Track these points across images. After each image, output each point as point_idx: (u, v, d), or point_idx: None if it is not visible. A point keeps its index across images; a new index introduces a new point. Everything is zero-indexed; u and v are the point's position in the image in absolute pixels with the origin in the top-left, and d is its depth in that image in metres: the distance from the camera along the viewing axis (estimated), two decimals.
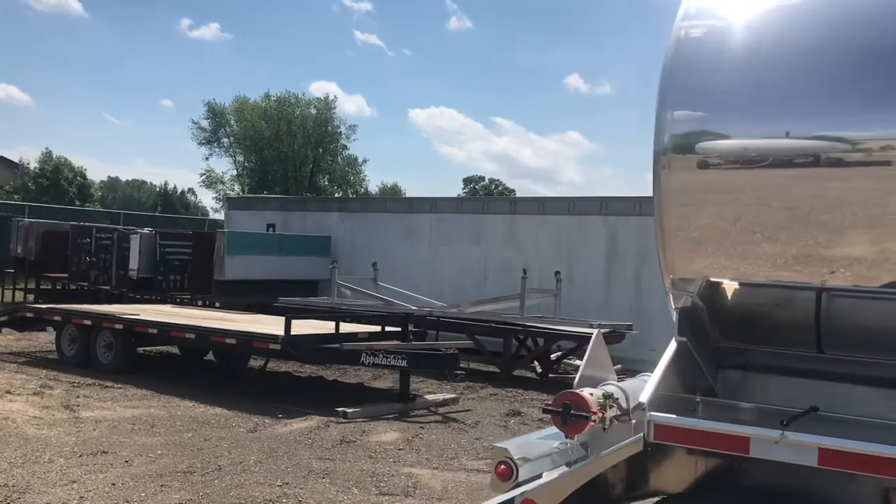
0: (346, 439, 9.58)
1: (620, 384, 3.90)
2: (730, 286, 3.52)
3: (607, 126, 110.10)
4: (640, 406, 3.35)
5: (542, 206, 17.35)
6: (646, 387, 3.30)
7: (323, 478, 8.00)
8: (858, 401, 3.55)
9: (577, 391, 3.51)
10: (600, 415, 3.38)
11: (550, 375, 14.82)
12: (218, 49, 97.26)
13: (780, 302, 3.48)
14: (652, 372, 4.24)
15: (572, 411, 3.39)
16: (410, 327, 11.96)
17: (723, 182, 3.19)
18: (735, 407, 3.58)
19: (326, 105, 62.38)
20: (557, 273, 14.98)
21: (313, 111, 62.08)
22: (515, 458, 3.55)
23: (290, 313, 11.88)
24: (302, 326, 11.69)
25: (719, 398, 3.69)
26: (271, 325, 12.64)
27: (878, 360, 3.41)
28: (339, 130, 63.30)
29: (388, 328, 12.33)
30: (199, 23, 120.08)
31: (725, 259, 3.25)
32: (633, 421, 3.56)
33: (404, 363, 11.30)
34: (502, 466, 3.56)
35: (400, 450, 9.27)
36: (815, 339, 3.46)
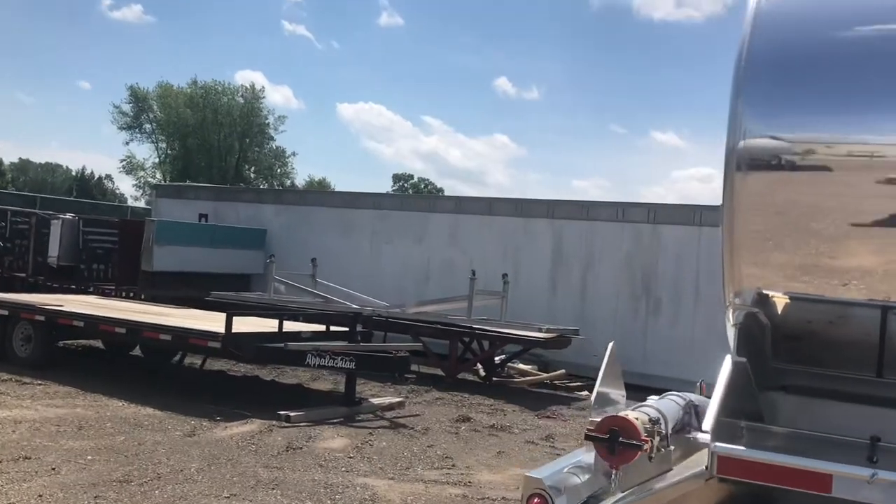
0: (293, 445, 9.02)
1: (654, 405, 3.54)
2: (780, 300, 3.19)
3: (535, 131, 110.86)
4: (687, 432, 2.99)
5: (489, 206, 17.02)
6: (707, 412, 2.94)
7: (273, 489, 7.44)
8: None
9: (624, 416, 3.13)
10: (650, 443, 3.01)
11: (494, 379, 14.52)
12: (140, 32, 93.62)
13: (833, 319, 3.16)
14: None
15: (621, 439, 3.01)
16: (359, 327, 11.43)
17: (804, 188, 2.87)
18: (786, 434, 3.25)
19: (254, 95, 60.98)
20: (505, 275, 14.67)
21: (240, 100, 60.58)
22: (549, 489, 3.14)
23: (231, 309, 11.22)
24: (241, 324, 11.04)
25: (765, 423, 3.37)
26: (206, 321, 11.93)
27: None
28: (266, 121, 61.97)
29: (333, 328, 11.77)
30: (121, 3, 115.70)
31: (802, 271, 2.93)
32: (672, 448, 3.19)
33: (352, 365, 10.79)
34: (536, 499, 3.14)
35: (351, 458, 8.77)
36: (877, 362, 3.16)
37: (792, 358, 3.30)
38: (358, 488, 7.64)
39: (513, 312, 14.71)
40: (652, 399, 4.81)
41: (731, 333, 3.22)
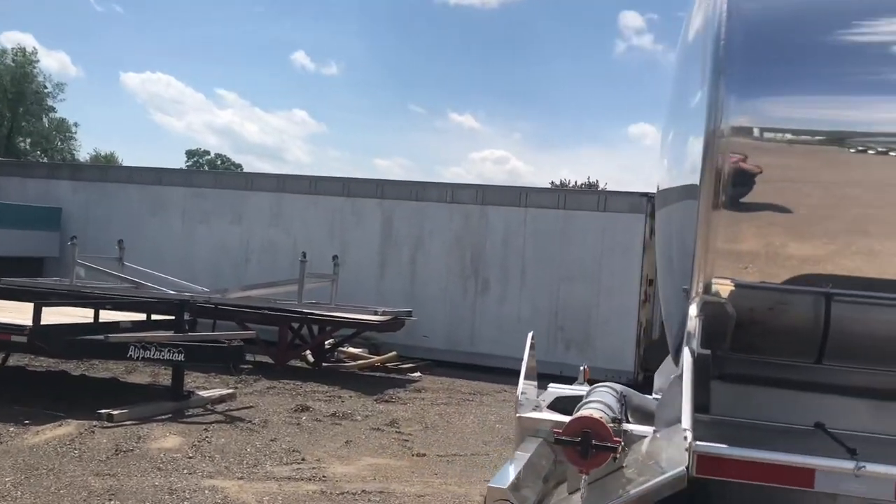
0: (122, 448, 8.16)
1: (602, 400, 3.39)
2: (725, 288, 3.13)
3: (334, 107, 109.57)
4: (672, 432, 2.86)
5: (314, 185, 16.42)
6: (683, 409, 2.81)
7: (109, 499, 6.67)
8: (859, 415, 3.36)
9: (594, 416, 2.93)
10: (621, 443, 2.84)
11: (324, 364, 14.09)
12: None
13: (773, 306, 3.15)
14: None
15: (594, 441, 2.81)
16: (186, 316, 10.58)
17: (786, 171, 2.80)
18: (733, 424, 3.21)
19: (26, 58, 55.35)
20: (335, 257, 14.23)
21: (11, 63, 54.78)
22: (515, 497, 2.90)
23: (38, 298, 9.98)
24: (47, 315, 9.84)
25: (710, 414, 3.32)
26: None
27: (884, 371, 3.23)
28: (44, 89, 56.57)
29: (155, 317, 10.82)
30: None
31: (775, 258, 2.87)
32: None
33: (181, 357, 9.96)
34: None
35: (190, 458, 8.07)
36: (819, 349, 3.19)
37: (732, 346, 3.25)
38: (206, 492, 7.03)
39: (340, 295, 14.33)
40: (568, 388, 4.69)
41: (692, 324, 3.11)
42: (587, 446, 2.82)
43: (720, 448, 2.71)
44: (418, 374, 14.06)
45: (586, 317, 14.50)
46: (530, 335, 4.29)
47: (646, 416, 3.70)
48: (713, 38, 2.81)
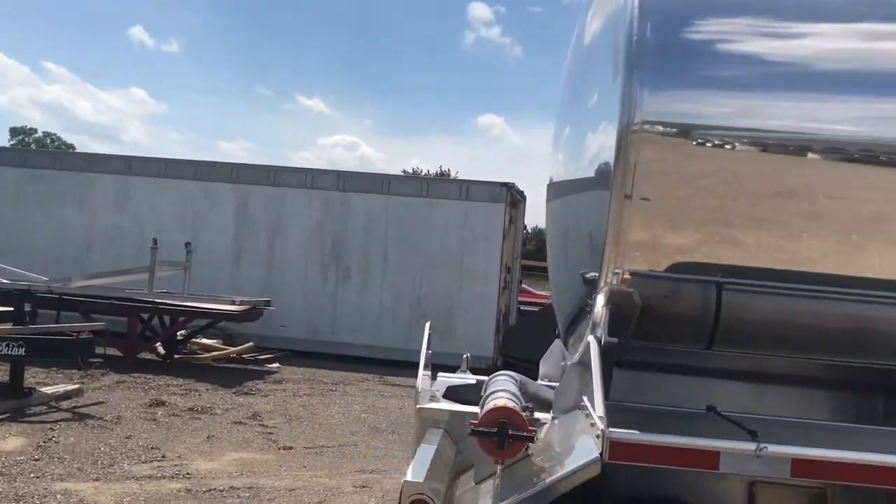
0: None
1: (509, 389, 3.40)
2: (632, 278, 3.21)
3: (175, 87, 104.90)
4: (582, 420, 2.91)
5: (164, 168, 15.59)
6: (595, 397, 2.85)
7: None
8: (744, 398, 3.54)
9: (509, 406, 2.92)
10: (536, 432, 2.85)
11: (176, 356, 13.47)
12: None
13: (668, 294, 3.27)
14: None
15: (511, 432, 2.80)
16: (26, 307, 9.78)
17: (693, 165, 2.88)
18: (630, 409, 3.31)
19: None
20: (188, 244, 13.61)
21: None
22: (431, 491, 2.84)
23: None
24: None
25: (608, 400, 3.39)
26: None
27: (771, 355, 3.41)
28: None
29: None
30: None
31: (684, 248, 2.96)
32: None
33: (22, 352, 9.21)
34: None
35: (36, 460, 7.48)
36: (709, 336, 3.33)
37: (634, 335, 3.33)
38: (59, 496, 6.54)
39: (193, 283, 13.74)
40: (457, 377, 4.67)
41: (599, 313, 3.16)
42: (504, 437, 2.80)
43: (632, 434, 2.77)
44: (276, 364, 13.72)
45: (448, 304, 14.64)
46: (427, 325, 4.24)
47: (540, 404, 3.74)
48: (625, 34, 2.85)
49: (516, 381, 3.75)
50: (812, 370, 3.55)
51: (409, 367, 14.67)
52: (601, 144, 3.57)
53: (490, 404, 2.96)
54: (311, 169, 15.76)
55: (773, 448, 2.71)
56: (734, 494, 3.34)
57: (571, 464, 2.78)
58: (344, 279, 15.09)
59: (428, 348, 4.17)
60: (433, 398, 3.87)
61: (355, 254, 15.04)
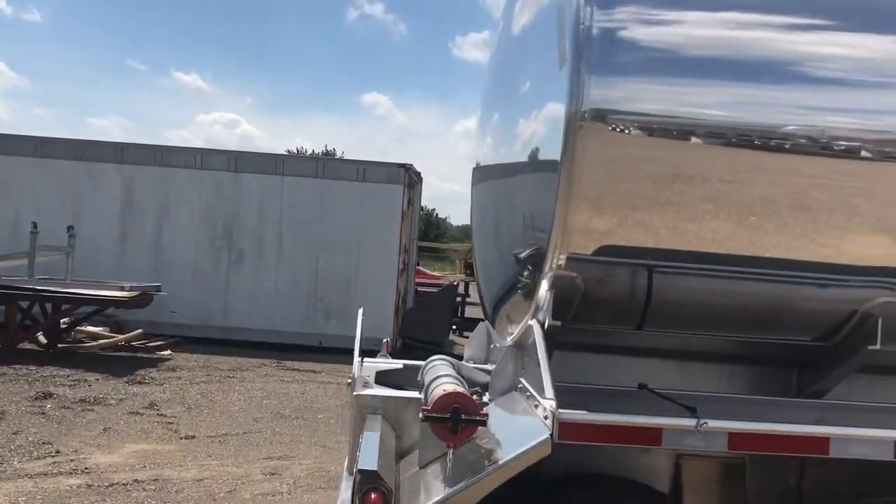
0: None
1: (451, 374, 3.43)
2: (575, 263, 3.28)
3: (38, 59, 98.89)
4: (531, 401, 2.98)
5: (39, 147, 14.69)
6: (543, 379, 2.92)
7: None
8: (672, 375, 3.70)
9: (460, 391, 2.95)
10: (487, 416, 2.90)
11: (60, 346, 12.81)
12: None
13: (603, 278, 3.38)
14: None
15: (464, 416, 2.84)
16: None
17: (637, 151, 2.97)
18: (566, 389, 3.40)
19: None
20: (70, 228, 12.91)
21: None
22: (386, 479, 2.84)
23: None
24: None
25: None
26: None
27: (696, 334, 3.58)
28: None
29: None
30: None
31: (633, 231, 3.05)
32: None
33: None
34: (373, 495, 2.81)
35: None
36: (640, 317, 3.46)
37: (562, 316, 3.41)
38: None
39: (76, 269, 13.07)
40: (384, 362, 4.65)
41: (543, 297, 3.22)
42: (457, 422, 2.83)
43: (582, 414, 2.85)
44: (168, 352, 13.27)
45: (346, 287, 14.53)
46: (360, 311, 4.21)
47: (474, 386, 3.79)
48: (572, 24, 2.90)
49: (453, 365, 3.79)
50: (733, 347, 3.75)
51: (308, 352, 14.55)
52: (534, 131, 3.64)
53: (439, 390, 2.97)
54: (201, 149, 15.25)
55: (712, 423, 2.86)
56: (662, 468, 3.50)
57: (522, 444, 2.83)
58: (237, 263, 14.72)
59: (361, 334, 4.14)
60: (367, 384, 3.85)
61: (249, 237, 14.68)
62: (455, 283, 17.43)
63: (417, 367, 4.73)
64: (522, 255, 3.83)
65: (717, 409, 2.93)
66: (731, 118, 3.05)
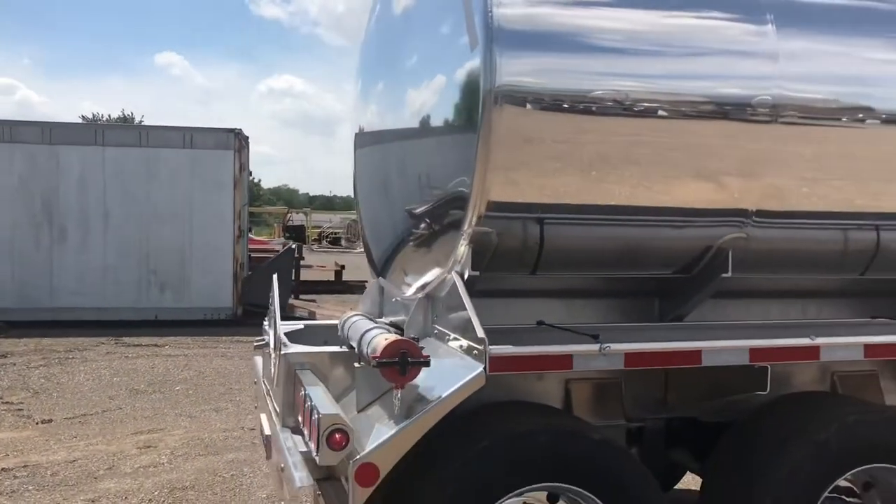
0: None
1: (380, 326, 3.79)
2: (490, 220, 3.70)
3: None
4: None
5: None
6: (474, 323, 3.35)
7: None
8: (559, 312, 4.26)
9: (402, 338, 3.33)
10: (429, 357, 3.30)
11: None
12: None
13: (502, 231, 3.83)
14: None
15: (410, 359, 3.23)
16: None
17: (547, 123, 3.44)
18: (495, 330, 3.85)
19: None
20: None
21: None
22: (346, 421, 3.18)
23: None
24: None
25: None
26: None
27: (581, 275, 4.16)
28: None
29: None
30: None
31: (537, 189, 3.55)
32: None
33: None
34: (337, 435, 3.13)
35: None
36: (534, 263, 3.97)
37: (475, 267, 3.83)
38: None
39: None
40: (291, 324, 4.92)
41: (462, 252, 3.63)
42: (405, 365, 3.21)
43: (508, 348, 3.31)
44: None
45: (180, 257, 14.23)
46: (275, 276, 4.43)
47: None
48: (481, 11, 3.29)
49: (372, 319, 4.15)
50: (608, 284, 4.35)
51: (145, 327, 14.14)
52: (424, 100, 4.04)
53: (381, 339, 3.31)
54: (10, 121, 14.19)
55: (613, 346, 3.43)
56: (553, 392, 4.05)
57: (460, 379, 3.26)
58: (60, 240, 13.98)
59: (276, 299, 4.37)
60: (286, 345, 4.11)
61: (71, 212, 13.96)
62: (293, 246, 17.48)
63: (318, 327, 5.05)
64: (418, 211, 4.25)
65: (603, 337, 3.49)
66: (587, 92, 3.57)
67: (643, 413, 4.26)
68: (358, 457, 3.12)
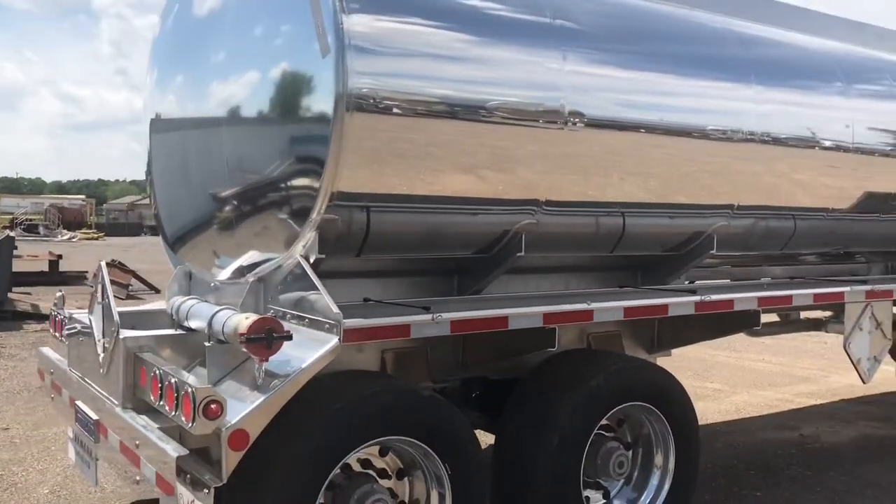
0: None
1: (230, 306, 4.06)
2: (337, 208, 4.13)
3: None
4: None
5: None
6: (327, 300, 3.75)
7: None
8: (388, 290, 4.78)
9: (268, 316, 3.67)
10: (290, 332, 3.68)
11: None
12: None
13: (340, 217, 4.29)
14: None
15: (275, 335, 3.58)
16: None
17: (393, 125, 3.94)
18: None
19: None
20: None
21: None
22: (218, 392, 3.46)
23: None
24: None
25: None
26: None
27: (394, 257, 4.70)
28: None
29: None
30: None
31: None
32: None
33: None
34: (213, 405, 3.39)
35: None
36: (360, 246, 4.45)
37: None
38: None
39: None
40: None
41: (310, 237, 3.99)
42: (271, 340, 3.55)
43: (357, 321, 3.77)
44: None
45: None
46: (103, 263, 4.44)
47: None
48: (332, 23, 3.69)
49: (209, 302, 4.38)
50: (414, 265, 4.93)
51: None
52: (232, 92, 4.43)
53: (240, 318, 3.61)
54: None
55: (444, 315, 4.04)
56: (372, 360, 4.58)
57: (318, 350, 3.67)
58: None
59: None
60: (121, 329, 4.21)
61: None
62: (11, 234, 16.00)
63: (136, 314, 5.10)
64: (222, 193, 4.63)
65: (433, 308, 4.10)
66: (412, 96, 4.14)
67: (445, 375, 4.94)
68: (231, 423, 3.44)
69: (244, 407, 3.52)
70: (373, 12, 3.90)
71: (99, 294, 4.36)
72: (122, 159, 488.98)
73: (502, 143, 4.44)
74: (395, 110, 4.00)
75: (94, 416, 4.31)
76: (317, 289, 3.88)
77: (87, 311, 4.64)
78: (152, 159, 5.41)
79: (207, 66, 4.72)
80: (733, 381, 10.51)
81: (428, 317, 4.03)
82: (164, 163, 5.33)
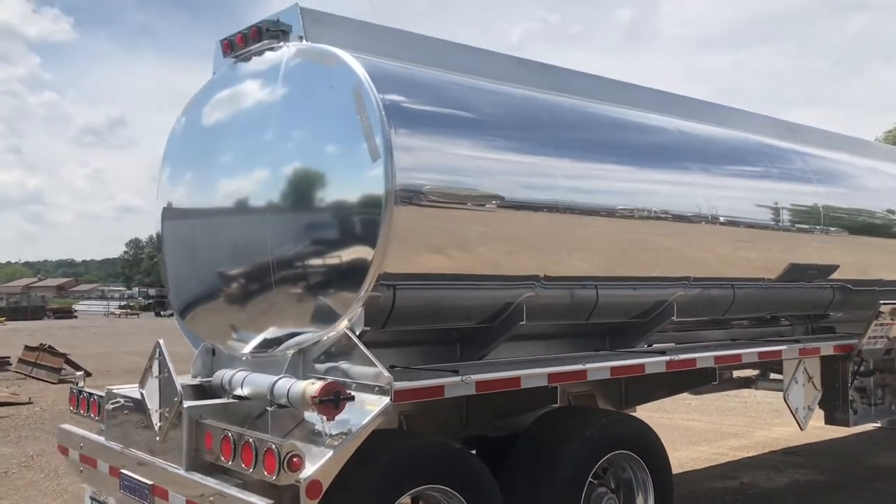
0: None
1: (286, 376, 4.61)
2: (381, 288, 4.78)
3: None
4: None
5: None
6: (378, 366, 4.35)
7: None
8: (411, 357, 5.39)
9: (334, 380, 4.23)
10: (353, 395, 4.26)
11: None
12: None
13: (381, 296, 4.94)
14: None
15: (341, 397, 4.16)
16: None
17: (434, 217, 4.71)
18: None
19: None
20: None
21: None
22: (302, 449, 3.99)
23: None
24: None
25: None
26: None
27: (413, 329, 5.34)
28: None
29: None
30: None
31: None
32: None
33: None
34: (296, 459, 3.91)
35: None
36: (385, 320, 5.08)
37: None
38: None
39: None
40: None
41: (358, 312, 4.59)
42: (338, 401, 4.12)
43: (405, 384, 4.38)
44: None
45: None
46: (161, 341, 4.86)
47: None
48: (373, 109, 4.45)
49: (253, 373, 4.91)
50: (426, 336, 5.59)
51: None
52: (240, 186, 5.17)
53: (306, 384, 4.17)
54: None
55: (472, 377, 4.69)
56: (392, 420, 5.15)
57: (374, 409, 4.26)
58: None
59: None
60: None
61: None
62: None
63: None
64: (230, 272, 5.30)
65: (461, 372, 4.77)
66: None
67: (450, 433, 5.54)
68: (308, 475, 3.97)
69: (316, 460, 4.06)
70: (409, 127, 4.68)
71: (156, 369, 4.80)
72: (13, 240, 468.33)
73: (510, 231, 5.22)
74: (424, 203, 4.70)
75: (148, 482, 4.71)
76: (365, 357, 4.48)
77: (136, 385, 5.04)
78: (166, 243, 5.91)
79: (208, 164, 5.51)
80: (671, 439, 11.32)
81: (458, 378, 4.68)
82: (175, 246, 5.87)
